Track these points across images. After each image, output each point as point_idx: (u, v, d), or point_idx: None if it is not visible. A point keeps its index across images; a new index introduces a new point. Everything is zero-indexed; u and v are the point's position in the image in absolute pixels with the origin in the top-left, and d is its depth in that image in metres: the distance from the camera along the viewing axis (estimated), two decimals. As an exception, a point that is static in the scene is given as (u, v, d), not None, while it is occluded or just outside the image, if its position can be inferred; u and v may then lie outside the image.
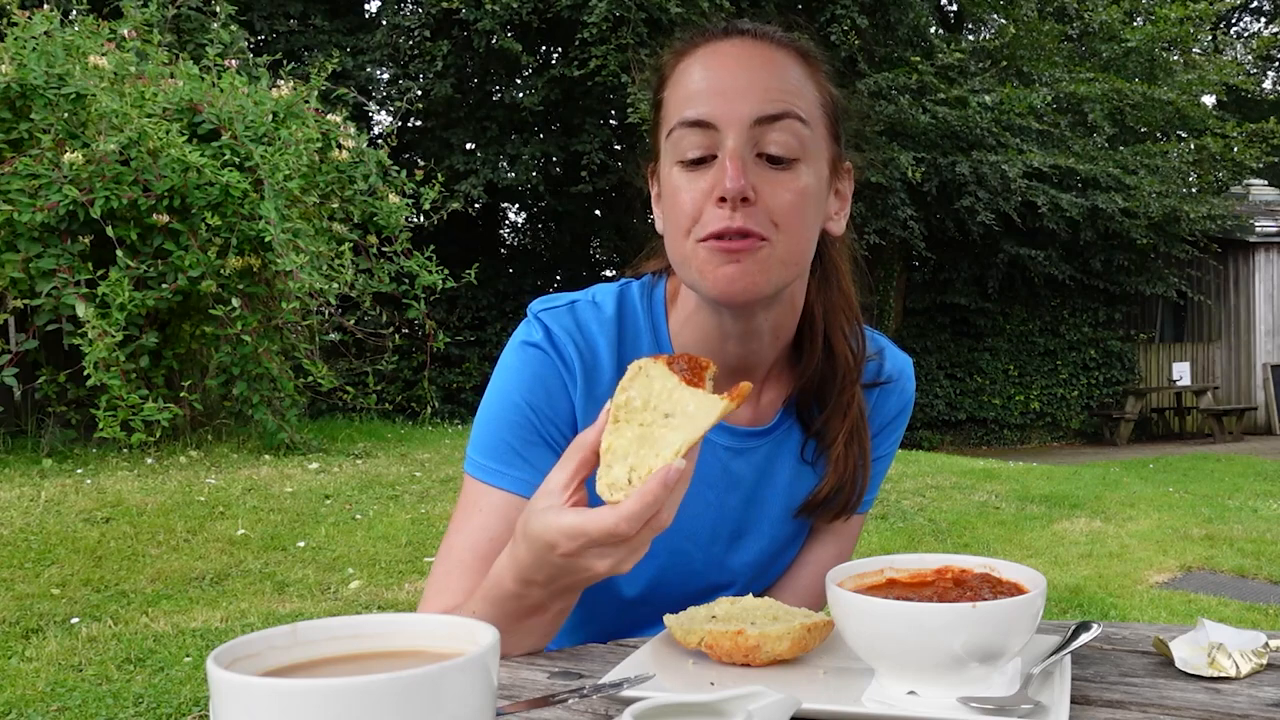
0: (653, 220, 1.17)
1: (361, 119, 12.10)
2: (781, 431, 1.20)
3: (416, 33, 11.94)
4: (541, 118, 13.25)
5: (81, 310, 5.75)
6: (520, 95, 12.42)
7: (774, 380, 1.19)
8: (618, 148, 13.15)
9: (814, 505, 1.20)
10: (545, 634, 1.00)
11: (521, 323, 1.17)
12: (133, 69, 6.53)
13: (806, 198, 1.03)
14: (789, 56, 1.06)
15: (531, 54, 12.20)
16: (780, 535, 1.23)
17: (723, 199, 0.99)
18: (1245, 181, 16.68)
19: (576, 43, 11.51)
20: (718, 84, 1.02)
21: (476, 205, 12.54)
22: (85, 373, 5.71)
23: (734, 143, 1.00)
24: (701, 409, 0.82)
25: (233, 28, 8.56)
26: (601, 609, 1.20)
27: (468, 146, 12.98)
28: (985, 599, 0.82)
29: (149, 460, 6.05)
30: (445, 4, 11.38)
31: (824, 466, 1.19)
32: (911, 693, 0.81)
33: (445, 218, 8.69)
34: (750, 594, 1.07)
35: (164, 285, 6.15)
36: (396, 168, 7.80)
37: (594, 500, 0.87)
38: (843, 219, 1.14)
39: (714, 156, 1.01)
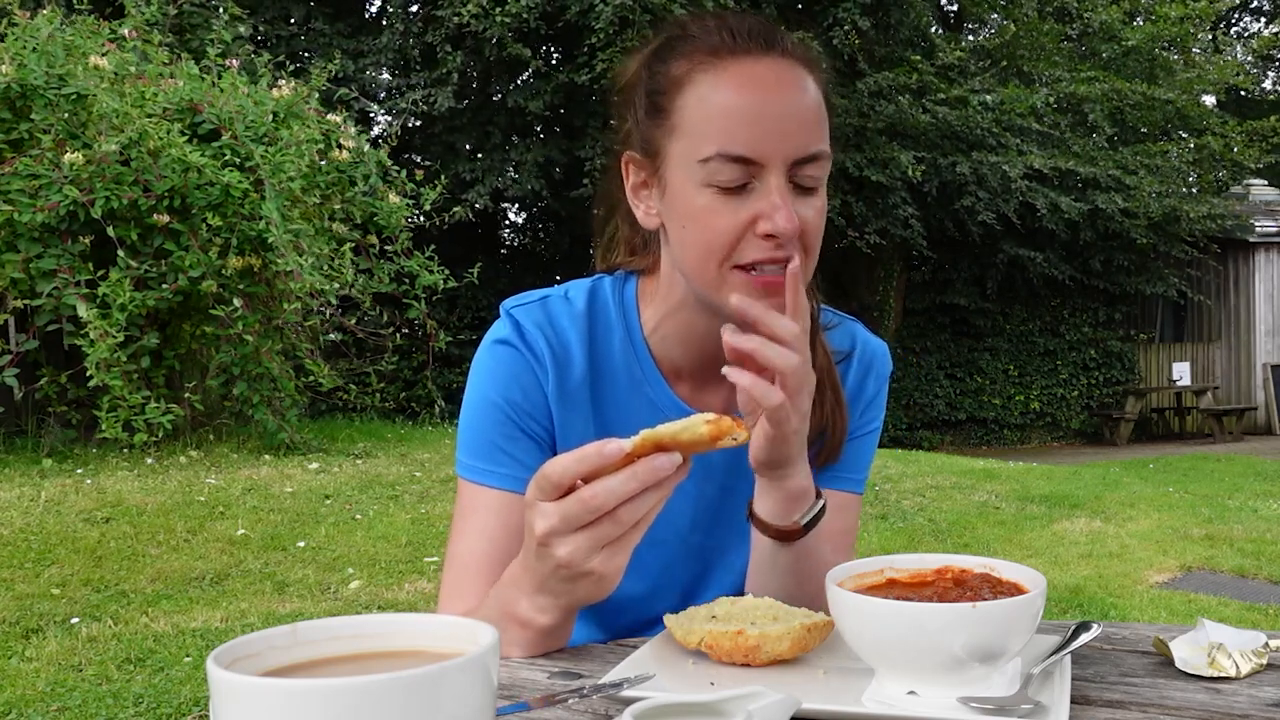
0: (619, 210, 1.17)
1: (363, 122, 12.10)
2: None
3: (439, 48, 11.91)
4: (544, 121, 13.24)
5: (82, 310, 5.75)
6: (522, 100, 12.38)
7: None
8: (616, 148, 13.14)
9: None
10: (527, 645, 0.98)
11: (496, 321, 1.19)
12: (133, 69, 6.53)
13: (823, 216, 1.07)
14: (806, 73, 1.06)
15: (536, 57, 12.21)
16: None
17: (770, 235, 1.01)
18: (1245, 181, 16.69)
19: (585, 49, 11.50)
20: (758, 117, 1.02)
21: (477, 208, 12.56)
22: (87, 373, 5.71)
23: (778, 179, 1.01)
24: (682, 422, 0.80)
25: (239, 28, 8.57)
26: (586, 609, 1.20)
27: (470, 149, 12.96)
28: (985, 599, 0.82)
29: (149, 460, 6.05)
30: (456, 18, 11.36)
31: None
32: (911, 693, 0.81)
33: (448, 222, 8.70)
34: (750, 594, 1.07)
35: (164, 285, 6.15)
36: (397, 168, 7.80)
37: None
38: None
39: (748, 183, 1.02)
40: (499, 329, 1.17)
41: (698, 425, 0.79)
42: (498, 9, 11.25)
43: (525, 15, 11.30)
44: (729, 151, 1.01)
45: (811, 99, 1.04)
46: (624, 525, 0.83)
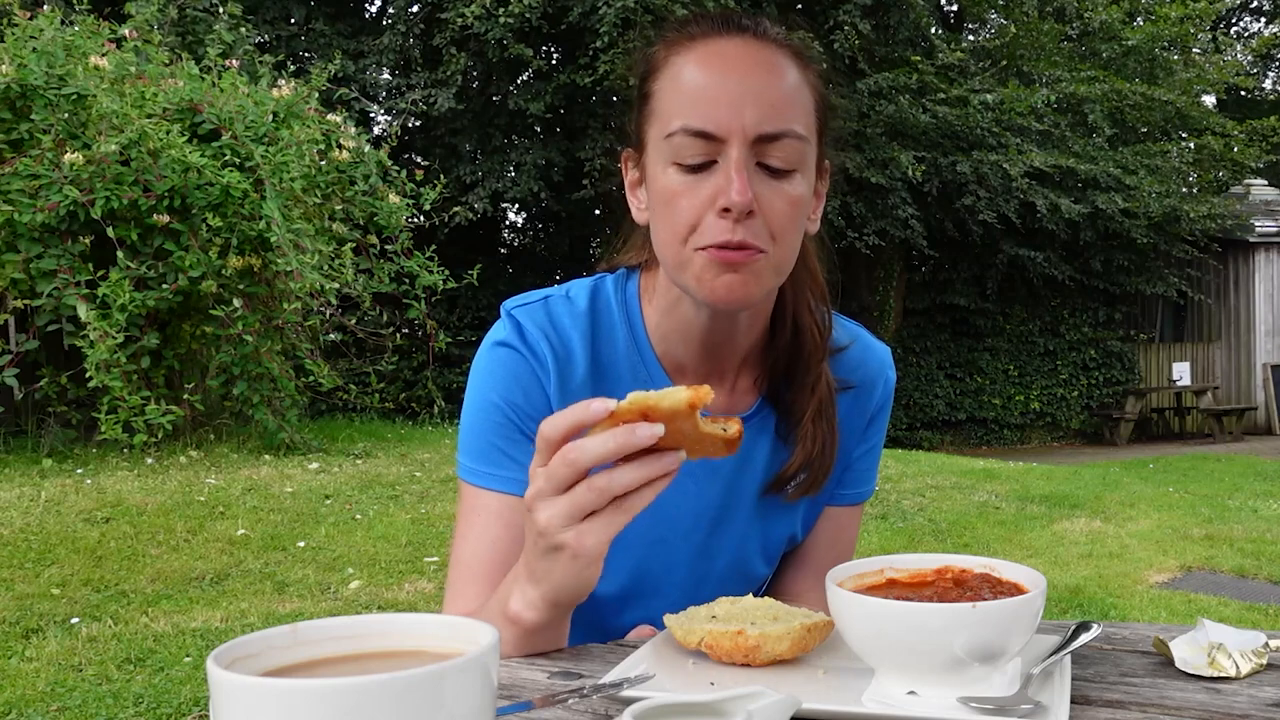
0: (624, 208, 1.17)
1: (364, 122, 12.10)
2: (760, 418, 1.20)
3: (444, 50, 11.91)
4: (544, 123, 13.24)
5: (82, 311, 5.75)
6: (524, 102, 12.36)
7: (748, 367, 1.20)
8: (618, 148, 13.13)
9: (783, 481, 1.20)
10: (514, 644, 0.97)
11: (496, 322, 1.18)
12: (133, 69, 6.53)
13: (799, 207, 1.05)
14: (786, 58, 1.05)
15: (537, 56, 12.20)
16: (759, 514, 1.24)
17: (726, 210, 1.00)
18: (1245, 181, 16.69)
19: (590, 52, 11.50)
20: (720, 91, 1.01)
21: (476, 208, 12.56)
22: (86, 374, 5.71)
23: (738, 154, 1.00)
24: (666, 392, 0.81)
25: (242, 30, 8.58)
26: (586, 609, 1.20)
27: (470, 150, 12.95)
28: (985, 599, 0.82)
29: (149, 460, 6.05)
30: (460, 19, 11.37)
31: (793, 443, 1.20)
32: (911, 693, 0.81)
33: (449, 224, 8.70)
34: (750, 593, 1.07)
35: (164, 285, 6.15)
36: (397, 168, 7.80)
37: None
38: (818, 217, 1.15)
39: (714, 162, 1.01)
40: (499, 330, 1.16)
41: (679, 391, 0.80)
42: (501, 9, 11.25)
43: (528, 15, 11.29)
44: (690, 126, 1.01)
45: (783, 79, 1.03)
46: (600, 495, 0.82)
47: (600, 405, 0.81)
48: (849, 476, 1.27)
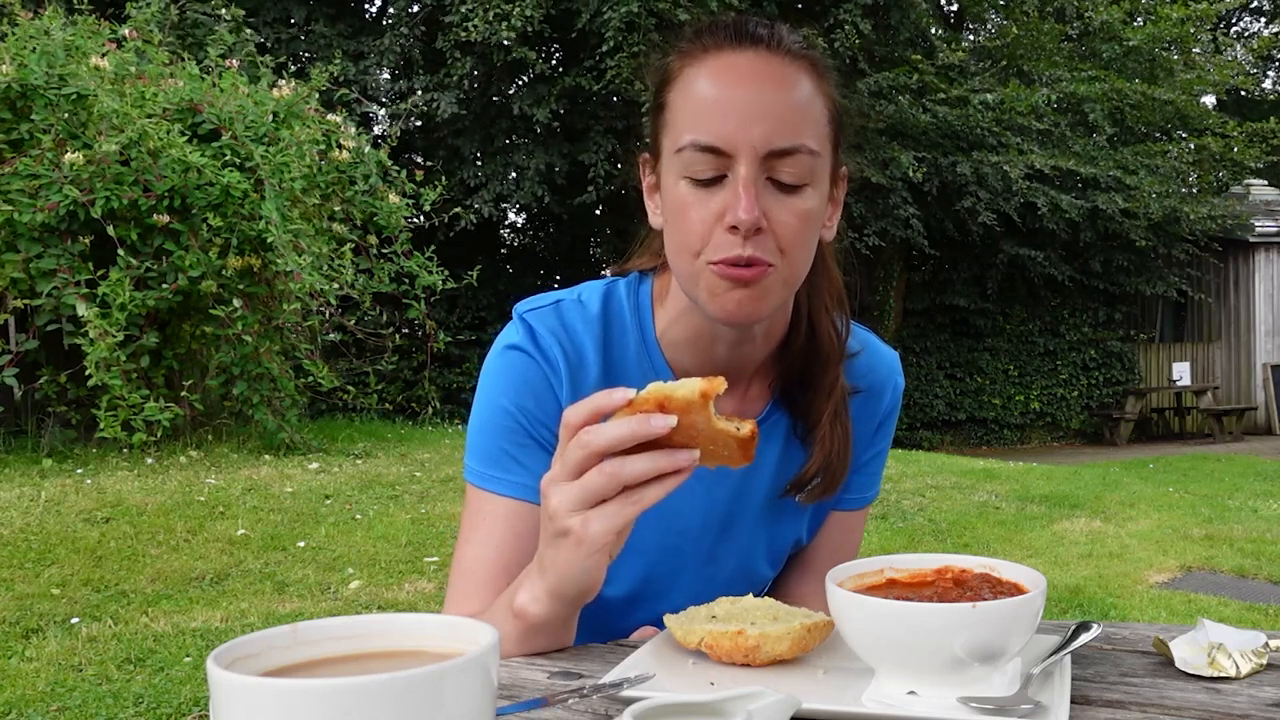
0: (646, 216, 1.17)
1: (365, 124, 12.10)
2: (771, 423, 1.20)
3: (448, 54, 11.91)
4: (547, 126, 13.27)
5: (82, 310, 5.75)
6: (527, 107, 12.33)
7: (761, 374, 1.20)
8: (621, 150, 13.14)
9: (801, 484, 1.20)
10: (517, 639, 0.97)
11: (507, 324, 1.18)
12: (133, 69, 6.53)
13: (810, 221, 1.04)
14: (800, 70, 1.04)
15: (540, 60, 12.19)
16: (767, 518, 1.24)
17: (734, 227, 0.99)
18: (1245, 181, 16.69)
19: (593, 55, 11.50)
20: (730, 106, 1.01)
21: (478, 209, 12.56)
22: (86, 373, 5.71)
23: (747, 171, 0.99)
24: (682, 385, 0.82)
25: (246, 33, 8.58)
26: (593, 612, 1.20)
27: (472, 153, 12.95)
28: (985, 599, 0.82)
29: (149, 460, 6.05)
30: (464, 33, 11.37)
31: (810, 446, 1.20)
32: (911, 693, 0.81)
33: (454, 228, 8.69)
34: (750, 594, 1.07)
35: (164, 285, 6.15)
36: (397, 168, 7.80)
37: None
38: (835, 224, 1.14)
39: (724, 176, 1.01)
40: (511, 333, 1.15)
41: (693, 381, 0.81)
42: (503, 24, 11.24)
43: (528, 26, 11.28)
44: (699, 141, 1.00)
45: (795, 94, 1.03)
46: (610, 480, 0.82)
47: (621, 394, 0.82)
48: (856, 480, 1.27)
